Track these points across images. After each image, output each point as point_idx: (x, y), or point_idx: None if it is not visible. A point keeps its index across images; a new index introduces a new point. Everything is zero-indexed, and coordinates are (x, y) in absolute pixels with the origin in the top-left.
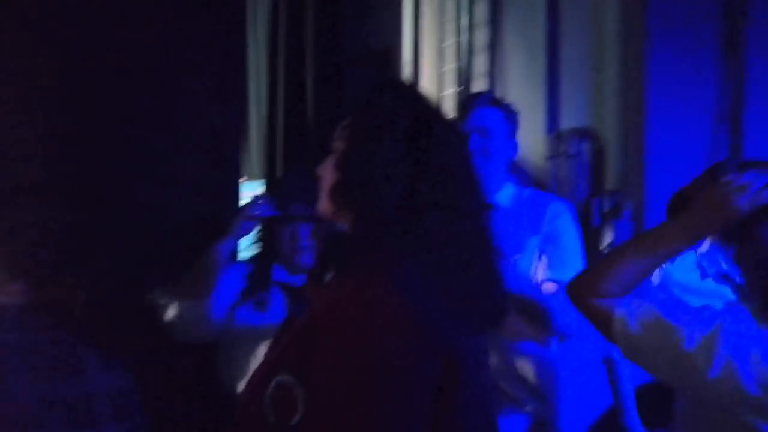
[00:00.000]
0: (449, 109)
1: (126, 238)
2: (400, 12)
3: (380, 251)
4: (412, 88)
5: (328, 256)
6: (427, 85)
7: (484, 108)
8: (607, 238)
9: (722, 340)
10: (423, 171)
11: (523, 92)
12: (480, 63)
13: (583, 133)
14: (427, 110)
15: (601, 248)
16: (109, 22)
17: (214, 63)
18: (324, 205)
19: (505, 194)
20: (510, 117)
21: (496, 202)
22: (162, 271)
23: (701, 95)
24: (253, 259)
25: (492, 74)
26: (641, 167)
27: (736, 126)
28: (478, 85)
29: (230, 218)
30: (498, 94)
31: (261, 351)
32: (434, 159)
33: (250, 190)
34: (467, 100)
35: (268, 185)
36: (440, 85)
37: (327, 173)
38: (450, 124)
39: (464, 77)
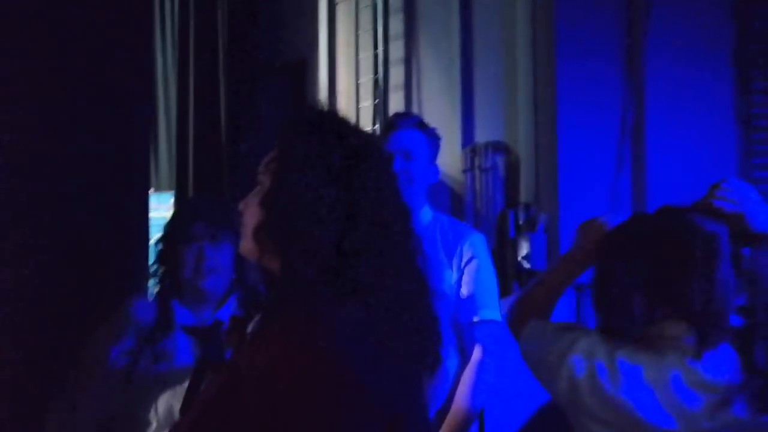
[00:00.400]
0: (365, 121)
1: (33, 252)
2: (316, 23)
3: (311, 298)
4: (341, 116)
5: (253, 301)
6: (343, 97)
7: (408, 130)
8: (523, 249)
9: (571, 355)
10: (356, 209)
11: (438, 106)
12: (396, 76)
13: (498, 147)
14: (359, 142)
15: (518, 259)
16: (6, 29)
17: (118, 71)
18: (248, 245)
19: (423, 218)
20: (432, 141)
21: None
22: (72, 285)
23: (607, 110)
24: (153, 297)
25: (408, 87)
26: (554, 180)
27: (638, 138)
28: (395, 98)
29: (137, 230)
30: (414, 107)
31: (164, 402)
32: (368, 196)
33: (159, 201)
34: (391, 121)
35: (179, 196)
36: (356, 97)
37: (251, 210)
38: (382, 156)
39: (380, 90)
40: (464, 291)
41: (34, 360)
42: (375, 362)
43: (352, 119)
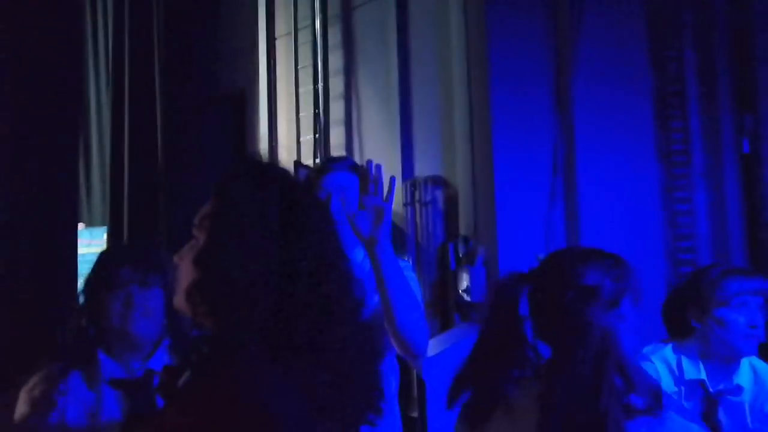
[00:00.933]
0: (306, 155)
1: None
2: (256, 57)
3: (242, 356)
4: (278, 168)
5: (185, 349)
6: (283, 131)
7: (341, 173)
8: (464, 282)
9: None
10: (294, 267)
11: (378, 140)
12: (336, 110)
13: (437, 181)
14: (296, 195)
15: (459, 291)
16: None
17: (47, 100)
18: (182, 301)
19: (356, 257)
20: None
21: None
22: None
23: (541, 144)
24: (73, 346)
25: (348, 122)
26: (492, 213)
27: (570, 171)
28: (335, 133)
29: (66, 265)
30: (354, 141)
31: None
32: (305, 252)
33: (92, 236)
34: (324, 164)
35: (112, 231)
36: (297, 131)
37: (185, 267)
38: (320, 207)
39: (321, 124)
40: None
41: None
42: (308, 423)
43: (293, 154)
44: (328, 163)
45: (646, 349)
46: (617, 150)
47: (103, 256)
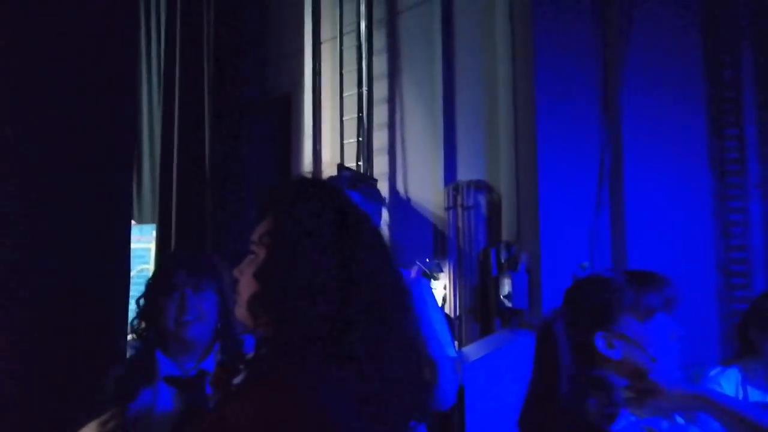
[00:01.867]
0: (349, 158)
1: (15, 281)
2: (302, 62)
3: (299, 365)
4: (331, 186)
5: (237, 352)
6: (327, 134)
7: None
8: (505, 288)
9: None
10: (350, 281)
11: (421, 144)
12: (380, 114)
13: (480, 186)
14: (352, 213)
15: (500, 297)
16: None
17: (102, 104)
18: (242, 312)
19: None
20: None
21: None
22: (53, 314)
23: (586, 151)
24: (134, 347)
25: (391, 126)
26: (535, 220)
27: (617, 179)
28: (378, 136)
29: (120, 259)
30: (397, 145)
31: None
32: (361, 266)
33: (142, 233)
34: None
35: (161, 228)
36: (341, 135)
37: (246, 281)
38: (372, 222)
39: (364, 128)
40: (430, 332)
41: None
42: (361, 427)
43: (337, 157)
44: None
45: (713, 372)
46: (667, 159)
47: (162, 261)
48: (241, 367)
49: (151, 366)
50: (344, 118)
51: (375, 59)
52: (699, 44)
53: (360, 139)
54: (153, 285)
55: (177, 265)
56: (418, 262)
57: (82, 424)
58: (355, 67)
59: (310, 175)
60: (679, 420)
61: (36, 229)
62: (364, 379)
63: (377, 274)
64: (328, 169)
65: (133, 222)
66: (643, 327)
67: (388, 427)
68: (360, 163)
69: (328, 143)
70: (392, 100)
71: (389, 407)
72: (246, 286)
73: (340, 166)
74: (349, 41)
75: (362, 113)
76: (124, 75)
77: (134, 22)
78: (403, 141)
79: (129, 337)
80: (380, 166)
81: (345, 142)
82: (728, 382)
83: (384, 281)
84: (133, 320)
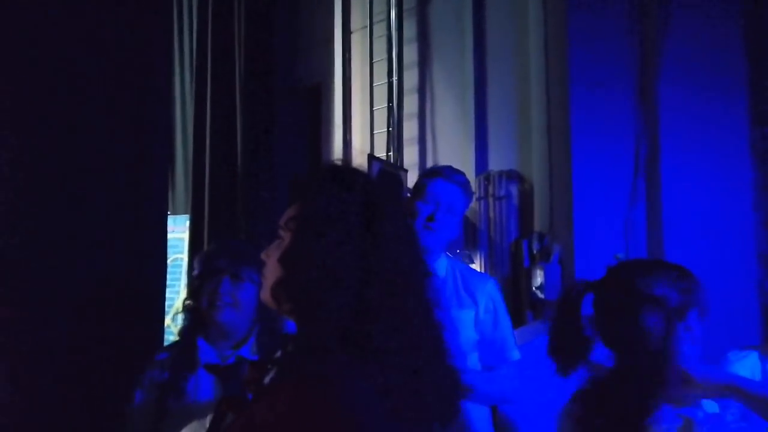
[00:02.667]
0: (380, 148)
1: (53, 270)
2: (332, 52)
3: (326, 359)
4: (360, 173)
5: (271, 344)
6: (357, 124)
7: (454, 185)
8: (537, 279)
9: None
10: (374, 271)
11: (452, 133)
12: (410, 104)
13: (511, 176)
14: (377, 201)
15: (532, 289)
16: (24, 56)
17: (136, 96)
18: (267, 297)
19: (441, 265)
20: (468, 199)
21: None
22: (92, 305)
23: (621, 140)
24: (179, 333)
25: (422, 115)
26: (568, 210)
27: (653, 169)
28: (409, 126)
29: (156, 250)
30: (428, 135)
31: None
32: (385, 255)
33: (175, 224)
34: (440, 169)
35: (194, 219)
36: (371, 125)
37: (271, 264)
38: (399, 213)
39: (395, 118)
40: (499, 334)
41: (62, 375)
42: (387, 426)
43: (367, 147)
44: (444, 169)
45: (731, 355)
46: (706, 147)
47: (206, 250)
48: (269, 365)
49: (192, 353)
50: (374, 108)
51: (405, 48)
52: (740, 30)
53: (390, 129)
54: (197, 273)
55: (219, 252)
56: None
57: (124, 414)
58: (385, 56)
59: (339, 163)
60: (711, 407)
61: (76, 222)
62: (385, 372)
63: (402, 265)
64: (359, 159)
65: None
66: (700, 322)
67: (411, 421)
68: (390, 153)
69: (358, 133)
70: (422, 90)
71: (411, 401)
72: (271, 270)
73: (370, 157)
74: (380, 30)
75: (392, 103)
76: (157, 68)
77: (168, 15)
78: (433, 131)
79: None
80: (410, 157)
81: (375, 132)
82: (743, 367)
83: (408, 273)
84: (184, 299)
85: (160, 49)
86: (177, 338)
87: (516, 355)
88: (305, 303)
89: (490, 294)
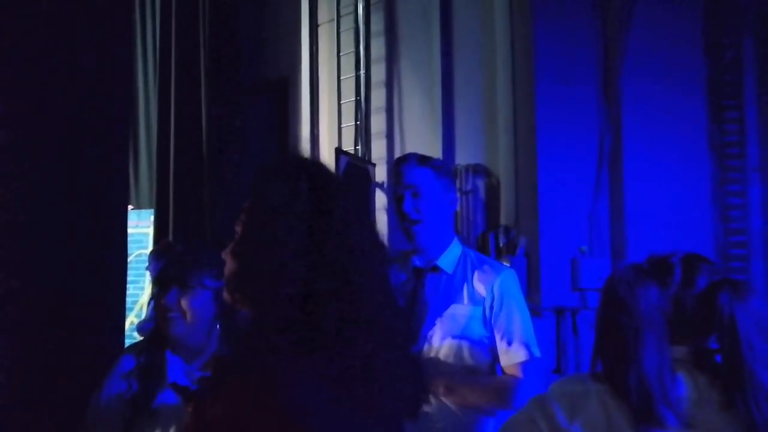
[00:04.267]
0: (347, 142)
1: (9, 267)
2: (299, 44)
3: (273, 349)
4: (308, 162)
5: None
6: (325, 118)
7: (411, 168)
8: None
9: None
10: (324, 260)
11: (420, 128)
12: (378, 98)
13: (478, 170)
14: (325, 189)
15: None
16: None
17: (97, 87)
18: (225, 292)
19: (450, 257)
20: (439, 172)
21: (439, 266)
22: (50, 300)
23: (585, 134)
24: (146, 344)
25: (389, 109)
26: (534, 204)
27: (616, 162)
28: (376, 120)
29: (117, 244)
30: (395, 129)
31: None
32: (336, 243)
33: (140, 218)
34: (395, 163)
35: (159, 213)
36: (338, 118)
37: (228, 259)
38: (353, 200)
39: (362, 111)
40: (506, 332)
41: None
42: (336, 417)
43: (335, 140)
44: (397, 160)
45: None
46: (666, 142)
47: (151, 255)
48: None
49: (159, 370)
50: (342, 102)
51: (373, 42)
52: (699, 26)
53: (358, 122)
54: (156, 283)
55: (165, 260)
56: None
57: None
58: (352, 50)
59: (289, 154)
60: None
61: (32, 216)
62: (334, 361)
63: (354, 253)
64: (326, 153)
65: (130, 207)
66: None
67: (365, 412)
68: (358, 147)
69: (325, 127)
70: (390, 84)
71: (364, 390)
72: (228, 264)
73: (338, 150)
74: (347, 24)
75: (360, 96)
76: (118, 59)
77: (129, 4)
78: (401, 125)
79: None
80: (378, 150)
81: (343, 126)
82: None
83: (361, 261)
84: (140, 306)
85: (121, 40)
86: (140, 337)
87: (535, 352)
88: (255, 290)
89: (498, 288)
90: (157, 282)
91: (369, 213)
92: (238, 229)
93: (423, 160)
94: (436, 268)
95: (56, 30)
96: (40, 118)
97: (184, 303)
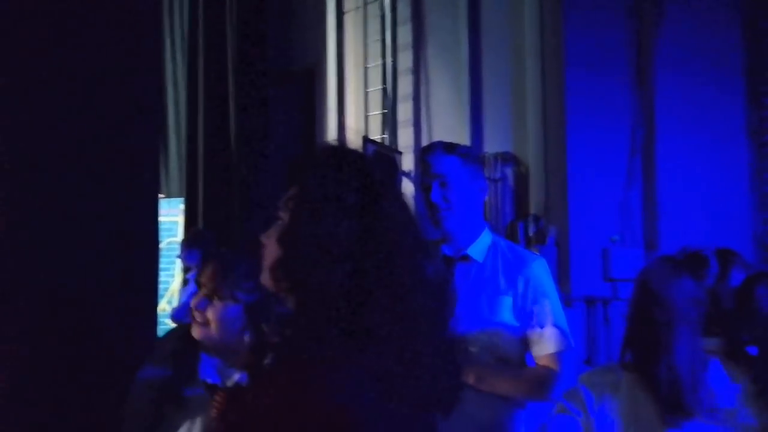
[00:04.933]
0: (374, 130)
1: (41, 254)
2: (325, 33)
3: (320, 343)
4: (357, 152)
5: (269, 336)
6: (351, 106)
7: (438, 157)
8: None
9: None
10: (371, 251)
11: (447, 116)
12: (404, 85)
13: (507, 158)
14: (373, 180)
15: None
16: (12, 36)
17: (127, 77)
18: (266, 279)
19: (480, 246)
20: (466, 160)
21: (469, 255)
22: (83, 287)
23: (616, 123)
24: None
25: (416, 97)
26: (563, 193)
27: (648, 151)
28: (403, 108)
29: (147, 233)
30: (422, 117)
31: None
32: (383, 234)
33: (170, 206)
34: (421, 153)
35: (188, 202)
36: (365, 106)
37: (270, 246)
38: (398, 194)
39: (389, 99)
40: (539, 321)
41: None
42: (381, 411)
43: (361, 129)
44: (423, 149)
45: None
46: (701, 129)
47: (185, 245)
48: (268, 350)
49: (192, 368)
50: (368, 90)
51: (399, 29)
52: (737, 13)
53: (385, 111)
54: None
55: (189, 248)
56: None
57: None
58: (379, 37)
59: (336, 143)
60: None
61: (64, 205)
62: (380, 355)
63: (399, 247)
64: (353, 141)
65: (160, 196)
66: None
67: (405, 407)
68: (385, 135)
69: (352, 115)
70: (417, 71)
71: (406, 386)
72: (270, 251)
73: (365, 139)
74: (373, 11)
75: (386, 85)
76: (147, 50)
77: None
78: (428, 112)
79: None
80: (405, 139)
81: (369, 114)
82: None
83: (405, 255)
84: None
85: (149, 31)
86: (173, 324)
87: (569, 342)
88: (302, 280)
89: (530, 277)
90: (188, 281)
91: (407, 205)
92: (284, 215)
93: (450, 148)
94: (466, 257)
95: (86, 22)
96: (72, 110)
97: (212, 313)
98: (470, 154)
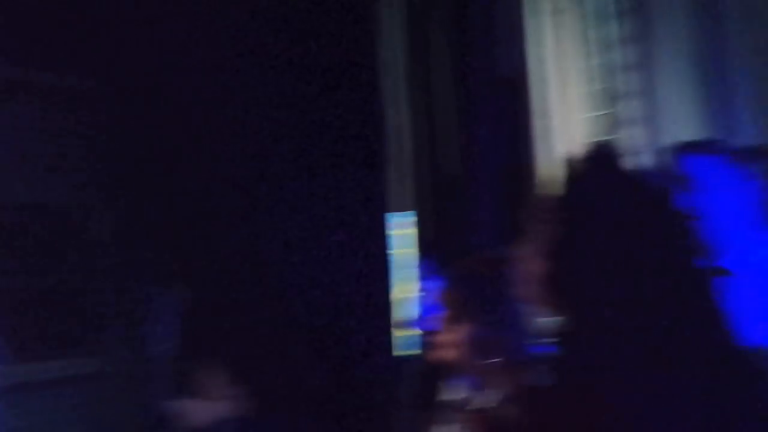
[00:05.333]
0: (591, 133)
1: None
2: (529, 34)
3: (603, 359)
4: (618, 159)
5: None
6: (564, 108)
7: (690, 158)
8: None
9: None
10: (644, 262)
11: (679, 113)
12: (626, 83)
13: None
14: (647, 188)
15: None
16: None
17: (352, 100)
18: (531, 293)
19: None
20: (722, 161)
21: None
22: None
23: None
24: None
25: (640, 94)
26: None
27: None
28: (626, 107)
29: (377, 252)
30: (649, 115)
31: None
32: (662, 248)
33: (399, 220)
34: (667, 155)
35: (420, 217)
36: (578, 110)
37: (530, 259)
38: (667, 199)
39: (610, 99)
40: None
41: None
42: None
43: (577, 132)
44: (676, 149)
45: None
46: None
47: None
48: (534, 367)
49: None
50: (580, 90)
51: (618, 23)
52: None
53: (603, 112)
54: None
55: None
56: None
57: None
58: (592, 34)
59: (593, 149)
60: None
61: (296, 223)
62: (672, 377)
63: (677, 259)
64: (565, 146)
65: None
66: None
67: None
68: (607, 137)
69: (565, 118)
70: (639, 68)
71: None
72: (532, 266)
73: (592, 144)
74: (589, 6)
75: (603, 84)
76: (369, 67)
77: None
78: (655, 110)
79: None
80: (629, 139)
81: (587, 115)
82: None
83: (682, 266)
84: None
85: (369, 46)
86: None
87: None
88: (578, 295)
89: None
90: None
91: (682, 214)
92: (544, 227)
93: (694, 147)
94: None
95: (322, 35)
96: (300, 136)
97: (459, 334)
98: (725, 152)
